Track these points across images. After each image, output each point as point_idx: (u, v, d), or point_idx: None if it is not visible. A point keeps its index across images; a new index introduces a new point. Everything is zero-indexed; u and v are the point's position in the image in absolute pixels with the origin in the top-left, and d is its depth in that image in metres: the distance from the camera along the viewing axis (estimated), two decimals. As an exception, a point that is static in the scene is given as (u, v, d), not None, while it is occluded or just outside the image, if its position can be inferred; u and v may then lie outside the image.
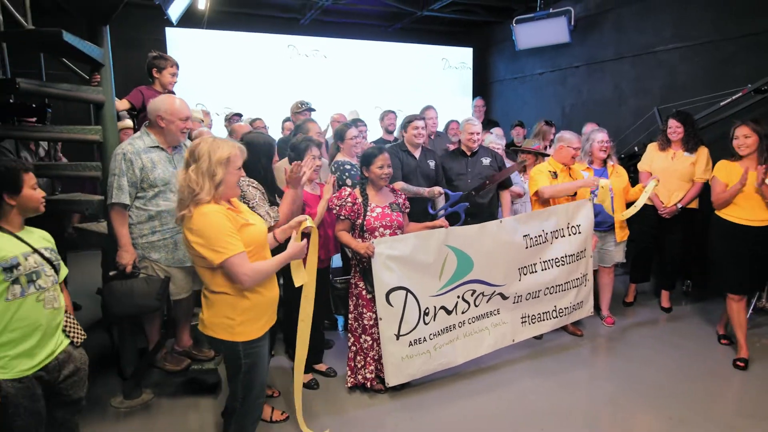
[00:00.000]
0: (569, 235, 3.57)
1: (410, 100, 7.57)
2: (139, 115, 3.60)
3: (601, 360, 3.67)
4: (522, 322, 3.51)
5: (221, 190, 1.93)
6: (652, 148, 4.21)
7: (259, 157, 2.76)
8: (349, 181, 3.71)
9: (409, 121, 3.90)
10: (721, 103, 4.48)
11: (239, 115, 5.70)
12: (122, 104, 3.44)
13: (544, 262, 3.49)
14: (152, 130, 2.71)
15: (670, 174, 3.98)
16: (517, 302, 3.44)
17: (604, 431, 2.77)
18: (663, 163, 4.05)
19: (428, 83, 7.97)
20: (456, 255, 3.10)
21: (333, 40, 7.43)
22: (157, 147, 2.68)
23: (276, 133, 5.43)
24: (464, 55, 8.29)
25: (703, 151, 3.97)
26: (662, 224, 4.12)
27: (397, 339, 2.93)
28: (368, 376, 3.05)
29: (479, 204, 3.80)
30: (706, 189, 3.90)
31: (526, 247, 3.40)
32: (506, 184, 4.02)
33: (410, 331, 2.95)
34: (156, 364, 2.92)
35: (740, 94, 4.35)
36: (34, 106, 2.89)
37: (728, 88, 4.56)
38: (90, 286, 5.00)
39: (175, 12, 4.86)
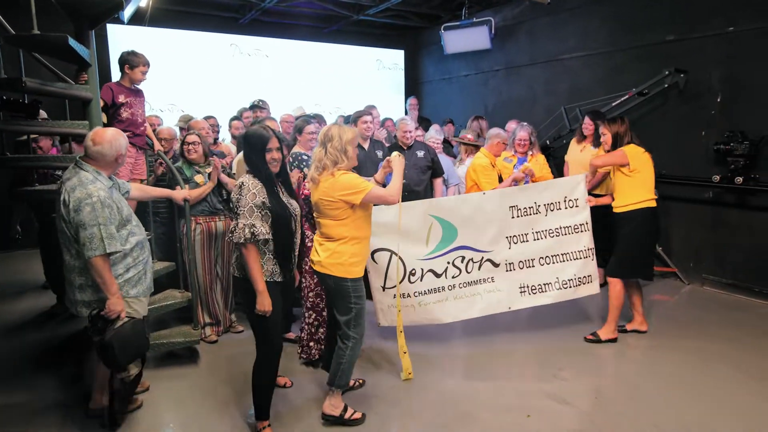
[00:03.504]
0: (567, 208, 3.73)
1: (348, 99, 8.10)
2: (109, 111, 3.83)
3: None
4: (521, 292, 3.72)
5: (351, 162, 2.63)
6: (573, 141, 5.04)
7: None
8: (306, 170, 4.18)
9: (358, 116, 4.46)
10: (613, 104, 5.40)
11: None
12: None
13: (536, 232, 3.70)
14: (98, 165, 2.56)
15: (578, 164, 4.80)
16: (510, 270, 3.68)
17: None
18: (574, 154, 4.90)
19: (364, 83, 8.51)
20: (440, 223, 3.54)
21: (273, 40, 7.75)
22: (113, 185, 2.65)
23: (224, 132, 5.71)
24: (397, 56, 8.91)
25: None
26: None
27: (383, 290, 3.47)
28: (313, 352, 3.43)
29: (416, 192, 4.38)
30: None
31: (513, 217, 3.65)
32: (438, 172, 4.65)
33: (394, 287, 3.41)
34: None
35: (627, 96, 5.28)
36: (25, 102, 3.05)
37: (619, 91, 5.48)
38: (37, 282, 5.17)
39: (127, 11, 5.02)
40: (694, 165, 5.02)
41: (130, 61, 3.78)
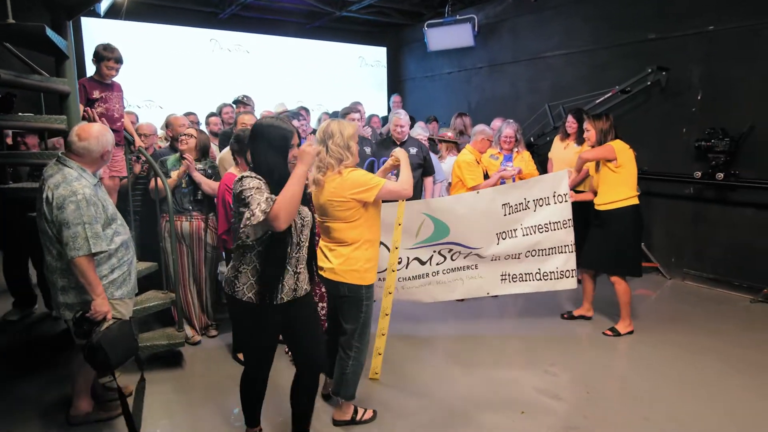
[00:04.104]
0: (555, 203, 3.75)
1: (330, 96, 8.02)
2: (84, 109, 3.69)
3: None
4: (501, 279, 3.79)
5: (355, 158, 2.49)
6: (556, 139, 5.06)
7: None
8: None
9: (346, 113, 4.38)
10: (597, 101, 5.45)
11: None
12: None
13: (525, 227, 3.73)
14: (82, 162, 2.44)
15: (562, 161, 4.83)
16: (495, 260, 3.74)
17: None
18: (558, 152, 4.92)
19: (346, 80, 8.44)
20: (432, 221, 3.53)
21: (254, 36, 7.62)
22: (98, 182, 2.54)
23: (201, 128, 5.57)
24: (379, 53, 8.86)
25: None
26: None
27: None
28: None
29: None
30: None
31: (505, 215, 3.68)
32: (429, 171, 4.62)
33: (381, 271, 3.23)
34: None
35: (610, 93, 5.34)
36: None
37: (602, 88, 5.55)
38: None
39: (103, 4, 4.86)
40: (676, 161, 5.10)
41: (98, 54, 3.62)
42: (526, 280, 3.82)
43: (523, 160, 4.61)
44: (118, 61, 3.72)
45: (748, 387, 3.13)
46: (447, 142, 5.05)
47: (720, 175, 4.53)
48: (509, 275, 3.79)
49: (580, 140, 4.75)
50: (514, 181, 4.34)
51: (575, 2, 5.99)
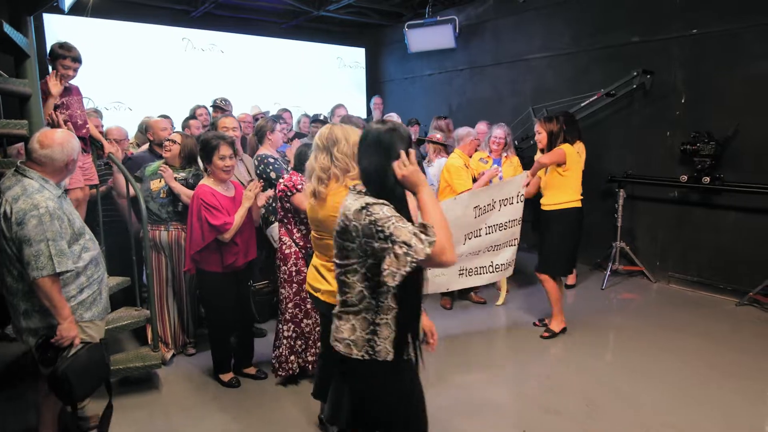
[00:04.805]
0: (517, 203, 3.93)
1: (308, 97, 7.81)
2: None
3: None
4: (459, 274, 3.88)
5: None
6: None
7: None
8: (273, 174, 3.87)
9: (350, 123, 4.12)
10: (582, 104, 5.41)
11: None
12: None
13: (489, 226, 3.84)
14: (45, 172, 2.23)
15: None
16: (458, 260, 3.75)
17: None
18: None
19: (324, 81, 8.23)
20: None
21: (229, 35, 7.34)
22: (62, 194, 2.31)
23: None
24: (357, 54, 8.68)
25: (578, 146, 4.77)
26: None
27: None
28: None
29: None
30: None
31: (475, 217, 3.76)
32: None
33: None
34: None
35: (596, 96, 5.30)
36: None
37: (584, 91, 5.50)
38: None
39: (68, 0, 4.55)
40: (660, 165, 5.10)
41: (53, 51, 3.25)
42: (480, 273, 3.96)
43: (512, 165, 4.52)
44: (76, 60, 3.32)
45: (740, 391, 3.11)
46: (436, 143, 4.85)
47: (706, 179, 4.53)
48: (466, 270, 3.89)
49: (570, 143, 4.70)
50: (501, 179, 4.27)
51: (556, 4, 5.95)
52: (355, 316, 1.71)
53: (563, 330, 3.95)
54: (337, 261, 1.73)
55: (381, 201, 1.63)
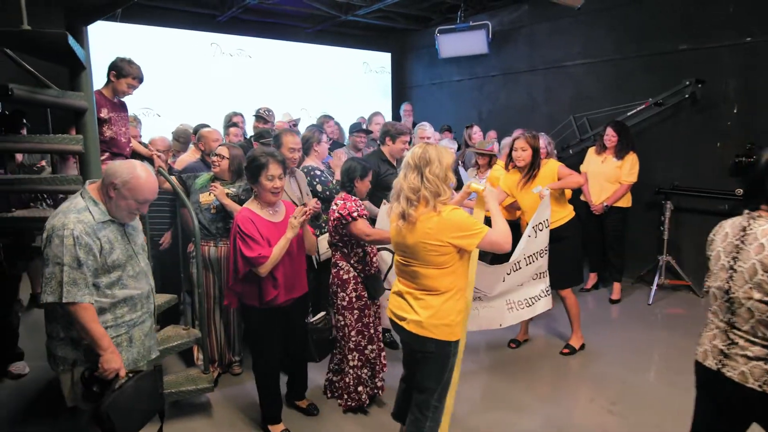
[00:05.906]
0: (545, 228, 3.52)
1: (334, 103, 7.68)
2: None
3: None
4: (508, 309, 3.50)
5: (449, 193, 2.11)
6: (591, 151, 4.83)
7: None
8: (319, 187, 3.73)
9: (399, 132, 3.85)
10: (628, 114, 5.25)
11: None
12: None
13: (527, 257, 3.43)
14: (100, 195, 2.07)
15: (598, 176, 4.61)
16: (500, 295, 3.43)
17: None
18: (594, 165, 4.69)
19: (350, 86, 8.11)
20: None
21: (256, 40, 7.24)
22: (111, 220, 2.08)
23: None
24: (383, 59, 8.56)
25: (631, 157, 4.62)
26: (593, 220, 4.75)
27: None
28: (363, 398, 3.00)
29: None
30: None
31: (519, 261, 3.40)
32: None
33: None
34: None
35: (643, 106, 5.14)
36: (6, 113, 2.52)
37: (626, 100, 5.35)
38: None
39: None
40: (709, 177, 4.93)
41: (121, 68, 3.18)
42: (531, 305, 3.55)
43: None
44: (140, 79, 3.30)
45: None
46: (485, 154, 4.46)
47: (762, 193, 4.36)
48: (515, 303, 3.49)
49: (620, 154, 4.56)
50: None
51: (596, 11, 5.79)
52: None
53: (582, 346, 3.91)
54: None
55: None
